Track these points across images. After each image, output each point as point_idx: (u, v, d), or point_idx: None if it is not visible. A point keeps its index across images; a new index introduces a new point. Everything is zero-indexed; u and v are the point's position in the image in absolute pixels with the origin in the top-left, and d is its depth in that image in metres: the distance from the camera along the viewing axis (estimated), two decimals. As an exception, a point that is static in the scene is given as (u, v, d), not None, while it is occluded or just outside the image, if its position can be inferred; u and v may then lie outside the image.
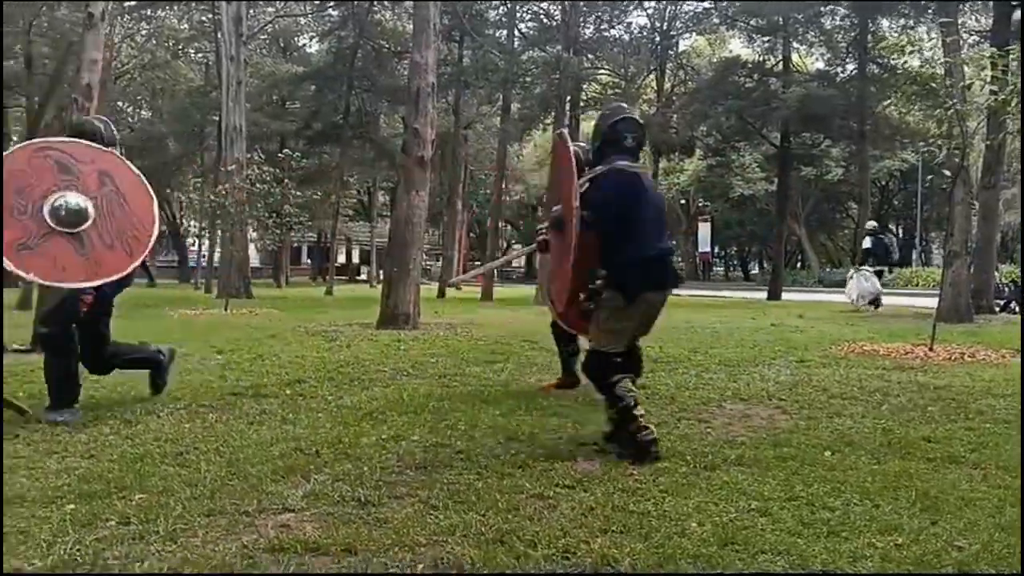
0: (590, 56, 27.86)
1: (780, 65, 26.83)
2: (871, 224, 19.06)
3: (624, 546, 2.69)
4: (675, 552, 2.65)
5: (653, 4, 29.80)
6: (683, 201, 49.55)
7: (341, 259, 55.85)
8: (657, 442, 3.97)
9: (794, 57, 28.68)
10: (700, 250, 52.34)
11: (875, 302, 16.80)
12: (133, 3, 29.76)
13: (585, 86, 28.14)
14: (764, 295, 25.82)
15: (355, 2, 29.53)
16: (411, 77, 12.87)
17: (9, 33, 23.85)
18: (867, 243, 18.02)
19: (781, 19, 25.37)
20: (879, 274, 17.47)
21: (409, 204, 11.89)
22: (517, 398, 5.81)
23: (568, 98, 24.16)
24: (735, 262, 67.46)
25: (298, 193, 19.74)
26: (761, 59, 28.11)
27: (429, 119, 12.32)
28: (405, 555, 2.63)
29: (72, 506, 3.09)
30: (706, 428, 4.84)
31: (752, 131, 27.61)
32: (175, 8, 33.04)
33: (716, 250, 60.81)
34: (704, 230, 51.22)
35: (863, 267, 17.48)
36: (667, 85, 31.83)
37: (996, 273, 19.51)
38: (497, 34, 27.89)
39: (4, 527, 2.83)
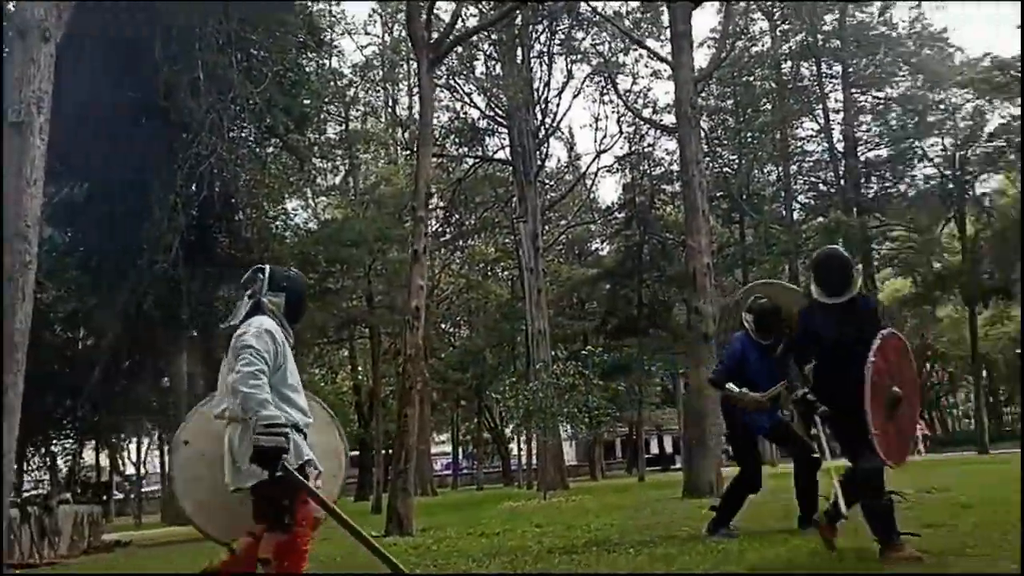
0: (878, 216, 27.52)
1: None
2: None
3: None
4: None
5: (938, 153, 29.12)
6: (1020, 351, 44.79)
7: (654, 449, 56.09)
8: None
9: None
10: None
11: None
12: (447, 237, 34.31)
13: (877, 245, 27.63)
14: None
15: (636, 204, 31.80)
16: (687, 260, 13.90)
17: (353, 277, 28.42)
18: None
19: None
20: None
21: (698, 377, 12.55)
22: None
23: (858, 257, 23.91)
24: None
25: (600, 382, 20.98)
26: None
27: (709, 297, 13.13)
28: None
29: None
30: None
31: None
32: (482, 235, 37.48)
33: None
34: (1063, 380, 45.51)
35: None
36: (970, 230, 30.17)
37: None
38: (774, 207, 28.57)
39: None
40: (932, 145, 29.55)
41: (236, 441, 4.20)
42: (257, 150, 19.01)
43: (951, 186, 29.12)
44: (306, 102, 19.94)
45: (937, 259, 30.76)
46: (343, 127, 31.17)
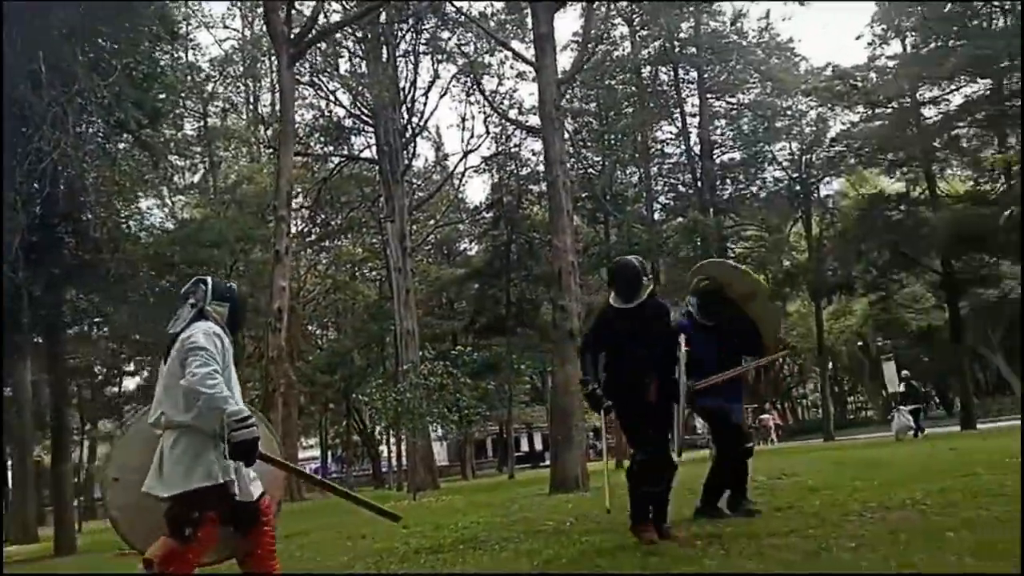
0: (732, 216, 28.77)
1: (927, 192, 26.67)
2: (905, 373, 23.60)
3: None
4: None
5: (786, 157, 30.72)
6: (860, 343, 47.91)
7: (524, 447, 56.61)
8: None
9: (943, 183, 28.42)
10: (888, 390, 49.76)
11: (915, 431, 20.39)
12: (313, 238, 33.60)
13: (732, 243, 28.88)
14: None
15: (503, 204, 32.09)
16: (553, 259, 14.11)
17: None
18: (902, 387, 22.25)
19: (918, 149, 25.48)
20: (916, 411, 20.99)
21: (564, 375, 12.76)
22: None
23: (714, 257, 24.89)
24: (936, 399, 63.22)
25: (468, 381, 21.04)
26: (906, 190, 28.04)
27: (574, 295, 13.37)
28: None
29: None
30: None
31: (909, 261, 27.14)
32: (350, 236, 36.91)
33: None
34: (889, 369, 48.89)
35: (901, 407, 21.24)
36: (816, 230, 31.99)
37: None
38: (636, 207, 29.44)
39: None
40: (780, 149, 31.30)
41: (168, 448, 4.16)
42: (107, 146, 18.03)
43: (798, 188, 30.83)
44: (160, 96, 19.10)
45: (786, 257, 32.49)
46: (201, 123, 30.06)
